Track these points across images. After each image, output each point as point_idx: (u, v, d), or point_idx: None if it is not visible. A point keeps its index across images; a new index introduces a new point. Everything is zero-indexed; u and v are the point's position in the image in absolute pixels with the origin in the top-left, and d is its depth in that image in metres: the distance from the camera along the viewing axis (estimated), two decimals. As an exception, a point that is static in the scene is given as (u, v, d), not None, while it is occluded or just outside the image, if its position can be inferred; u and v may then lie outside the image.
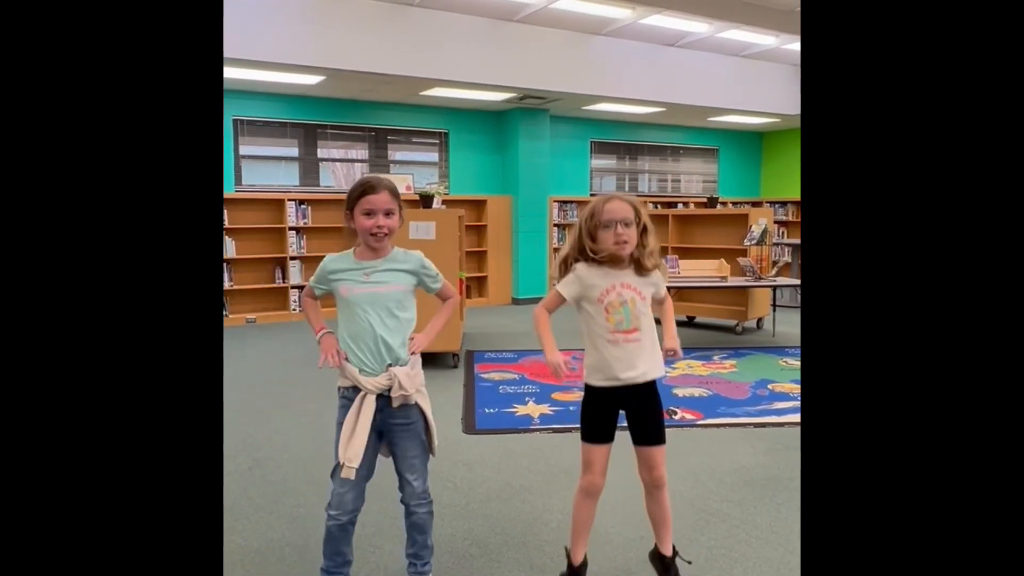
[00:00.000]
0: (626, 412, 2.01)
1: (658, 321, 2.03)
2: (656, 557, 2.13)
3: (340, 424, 1.93)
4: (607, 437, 2.00)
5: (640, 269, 1.97)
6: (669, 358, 2.01)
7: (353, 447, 1.86)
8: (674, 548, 2.12)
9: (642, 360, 1.95)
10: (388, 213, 1.90)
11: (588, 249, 1.95)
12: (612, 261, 1.95)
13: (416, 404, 1.96)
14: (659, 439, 2.01)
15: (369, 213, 1.89)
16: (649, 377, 1.97)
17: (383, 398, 1.91)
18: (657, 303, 2.05)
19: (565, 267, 2.01)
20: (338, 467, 1.90)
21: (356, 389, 1.91)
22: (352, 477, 1.88)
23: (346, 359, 1.91)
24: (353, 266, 1.94)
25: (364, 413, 1.88)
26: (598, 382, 1.98)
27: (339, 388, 1.97)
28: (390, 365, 1.91)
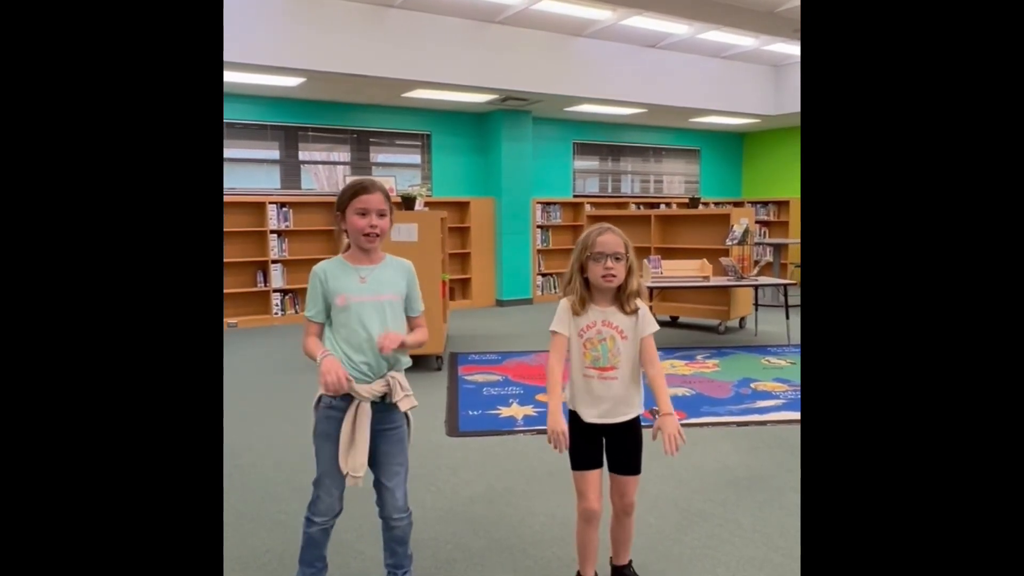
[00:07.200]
0: (605, 440, 2.02)
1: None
2: (612, 569, 2.17)
3: (323, 434, 1.90)
4: (594, 463, 2.00)
5: (623, 309, 1.97)
6: (663, 442, 1.87)
7: (356, 457, 1.85)
8: (630, 561, 2.16)
9: (617, 399, 1.96)
10: (381, 214, 1.90)
11: (580, 278, 1.97)
12: (597, 293, 1.97)
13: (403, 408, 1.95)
14: (633, 470, 2.02)
15: (363, 213, 1.88)
16: (623, 418, 1.97)
17: (374, 404, 1.90)
18: (644, 352, 1.97)
19: (566, 285, 2.03)
20: (323, 477, 1.90)
21: (346, 398, 1.87)
22: (359, 486, 1.87)
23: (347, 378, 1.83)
24: (348, 271, 1.92)
25: (361, 422, 1.87)
26: (579, 412, 1.99)
27: (321, 396, 1.91)
28: (386, 371, 1.91)
